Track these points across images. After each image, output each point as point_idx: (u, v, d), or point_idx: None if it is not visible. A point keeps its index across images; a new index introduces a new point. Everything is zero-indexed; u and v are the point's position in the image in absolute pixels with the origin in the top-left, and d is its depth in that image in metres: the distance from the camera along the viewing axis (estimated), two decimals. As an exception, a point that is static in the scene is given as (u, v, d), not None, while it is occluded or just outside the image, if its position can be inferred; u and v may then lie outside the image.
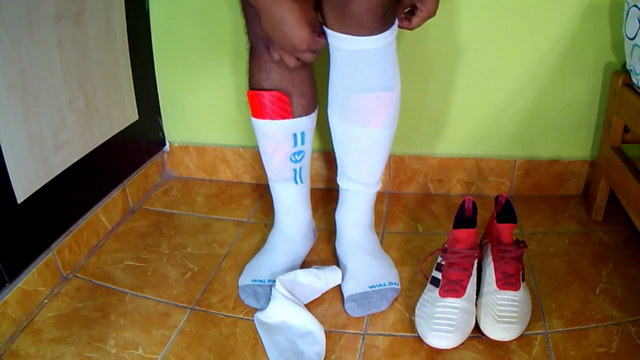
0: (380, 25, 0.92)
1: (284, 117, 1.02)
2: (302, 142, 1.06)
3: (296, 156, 1.07)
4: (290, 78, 1.00)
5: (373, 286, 1.05)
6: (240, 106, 1.44)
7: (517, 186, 1.40)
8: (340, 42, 0.94)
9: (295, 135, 1.04)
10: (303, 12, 0.85)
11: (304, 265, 1.15)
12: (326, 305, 1.05)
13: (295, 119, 1.03)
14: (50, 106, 1.07)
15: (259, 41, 0.99)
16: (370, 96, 0.97)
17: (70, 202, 1.16)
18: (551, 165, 1.37)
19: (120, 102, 1.31)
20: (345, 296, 1.05)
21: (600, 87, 1.28)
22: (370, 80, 0.96)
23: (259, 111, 1.03)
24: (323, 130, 1.30)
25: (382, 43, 0.93)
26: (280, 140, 1.04)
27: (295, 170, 1.08)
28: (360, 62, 0.95)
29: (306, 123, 1.05)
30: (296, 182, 1.10)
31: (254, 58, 1.02)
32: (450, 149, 1.39)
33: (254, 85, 1.03)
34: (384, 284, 1.06)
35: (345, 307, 1.03)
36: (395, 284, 1.07)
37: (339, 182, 1.13)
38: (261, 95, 1.01)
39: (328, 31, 0.97)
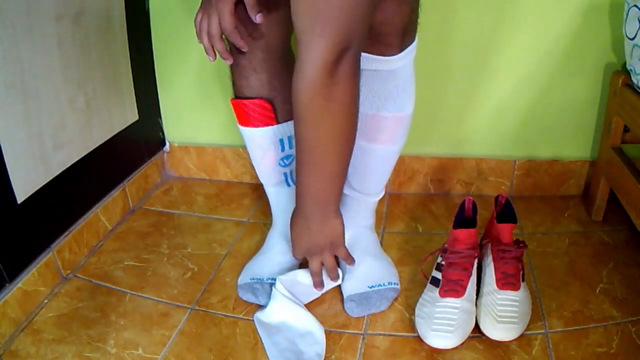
0: (400, 41, 0.87)
1: (268, 124, 1.01)
2: (290, 146, 1.05)
3: (285, 160, 1.06)
4: (271, 83, 0.98)
5: (373, 286, 1.05)
6: (240, 106, 1.44)
7: (517, 186, 1.40)
8: None
9: (282, 140, 1.03)
10: None
11: (303, 264, 1.15)
12: (326, 305, 1.05)
13: (280, 125, 1.01)
14: (50, 106, 1.07)
15: (233, 45, 0.94)
16: (382, 116, 0.95)
17: (70, 202, 1.16)
18: (551, 165, 1.37)
19: (120, 102, 1.31)
20: (344, 296, 1.05)
21: (600, 87, 1.28)
22: (385, 100, 0.94)
23: (243, 119, 1.02)
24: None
25: (401, 63, 0.90)
26: (267, 147, 1.04)
27: (285, 174, 1.08)
28: (377, 82, 0.92)
29: (292, 127, 1.03)
30: (288, 185, 1.10)
31: (233, 63, 0.98)
32: (450, 149, 1.39)
33: (236, 93, 1.02)
34: (384, 284, 1.06)
35: (345, 307, 1.03)
36: (395, 284, 1.07)
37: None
38: (243, 104, 0.99)
39: None
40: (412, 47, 0.91)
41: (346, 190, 1.11)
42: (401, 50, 0.89)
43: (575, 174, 1.37)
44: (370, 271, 1.08)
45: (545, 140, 1.35)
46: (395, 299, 1.05)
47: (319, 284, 1.01)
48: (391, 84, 0.93)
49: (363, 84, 0.92)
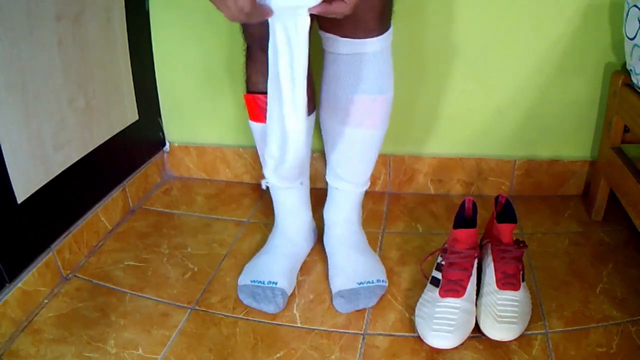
0: (379, 26, 0.92)
1: None
2: None
3: None
4: None
5: (362, 283, 1.06)
6: (240, 106, 1.44)
7: (517, 186, 1.40)
8: (336, 45, 0.93)
9: None
10: None
11: (304, 265, 1.15)
12: (326, 306, 1.05)
13: None
14: (50, 106, 1.07)
15: (254, 42, 0.97)
16: (365, 98, 0.97)
17: (70, 202, 1.16)
18: (551, 165, 1.37)
19: (120, 102, 1.31)
20: (333, 292, 1.06)
21: (600, 87, 1.28)
22: (366, 82, 0.96)
23: (256, 115, 1.02)
24: (323, 130, 1.30)
25: (379, 46, 0.93)
26: None
27: None
28: (357, 65, 0.95)
29: None
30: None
31: (250, 59, 1.00)
32: (450, 149, 1.39)
33: (251, 88, 1.02)
34: (373, 281, 1.06)
35: (334, 303, 1.04)
36: (382, 281, 1.08)
37: (328, 179, 1.13)
38: (258, 99, 0.99)
39: (324, 34, 0.97)
40: (389, 32, 0.95)
41: (334, 183, 1.12)
42: (380, 34, 0.92)
43: (575, 174, 1.37)
44: (358, 268, 1.08)
45: (545, 140, 1.35)
46: (395, 299, 1.06)
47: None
48: (372, 67, 0.95)
49: (345, 69, 0.95)
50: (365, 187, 1.12)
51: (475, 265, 1.00)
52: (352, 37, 0.91)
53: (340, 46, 0.93)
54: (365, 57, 0.94)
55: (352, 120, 1.00)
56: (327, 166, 1.12)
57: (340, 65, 0.96)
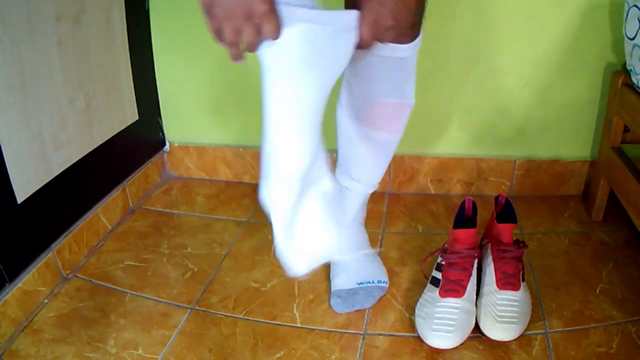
0: (412, 32, 0.90)
1: None
2: None
3: None
4: None
5: (361, 283, 1.06)
6: (240, 106, 1.44)
7: (517, 186, 1.40)
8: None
9: None
10: None
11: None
12: (326, 306, 1.05)
13: None
14: (50, 106, 1.07)
15: None
16: (389, 103, 0.96)
17: (70, 202, 1.16)
18: (551, 165, 1.37)
19: (120, 102, 1.31)
20: (332, 290, 1.06)
21: (600, 87, 1.28)
22: (391, 87, 0.95)
23: None
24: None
25: (409, 52, 0.92)
26: None
27: None
28: (385, 69, 0.93)
29: None
30: None
31: None
32: (450, 149, 1.39)
33: None
34: (372, 282, 1.06)
35: (331, 302, 1.04)
36: (383, 282, 1.08)
37: (339, 179, 1.13)
38: None
39: None
40: (419, 39, 0.94)
41: (344, 182, 1.11)
42: (412, 40, 0.91)
43: (575, 174, 1.37)
44: (360, 268, 1.08)
45: (545, 140, 1.35)
46: (395, 299, 1.06)
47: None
48: (400, 72, 0.94)
49: (372, 71, 0.93)
50: (373, 189, 1.12)
51: (475, 265, 1.00)
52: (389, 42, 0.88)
53: (375, 49, 0.89)
54: (398, 62, 0.92)
55: (373, 123, 0.99)
56: (339, 166, 1.12)
57: (367, 67, 0.93)
